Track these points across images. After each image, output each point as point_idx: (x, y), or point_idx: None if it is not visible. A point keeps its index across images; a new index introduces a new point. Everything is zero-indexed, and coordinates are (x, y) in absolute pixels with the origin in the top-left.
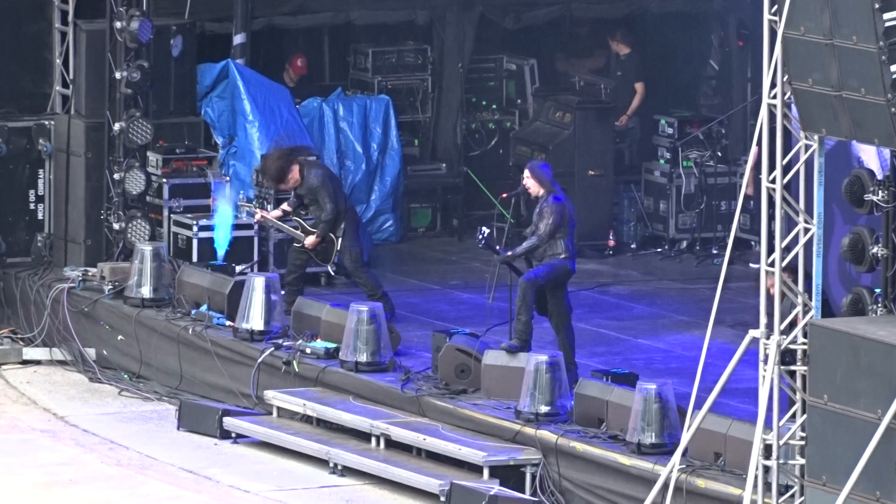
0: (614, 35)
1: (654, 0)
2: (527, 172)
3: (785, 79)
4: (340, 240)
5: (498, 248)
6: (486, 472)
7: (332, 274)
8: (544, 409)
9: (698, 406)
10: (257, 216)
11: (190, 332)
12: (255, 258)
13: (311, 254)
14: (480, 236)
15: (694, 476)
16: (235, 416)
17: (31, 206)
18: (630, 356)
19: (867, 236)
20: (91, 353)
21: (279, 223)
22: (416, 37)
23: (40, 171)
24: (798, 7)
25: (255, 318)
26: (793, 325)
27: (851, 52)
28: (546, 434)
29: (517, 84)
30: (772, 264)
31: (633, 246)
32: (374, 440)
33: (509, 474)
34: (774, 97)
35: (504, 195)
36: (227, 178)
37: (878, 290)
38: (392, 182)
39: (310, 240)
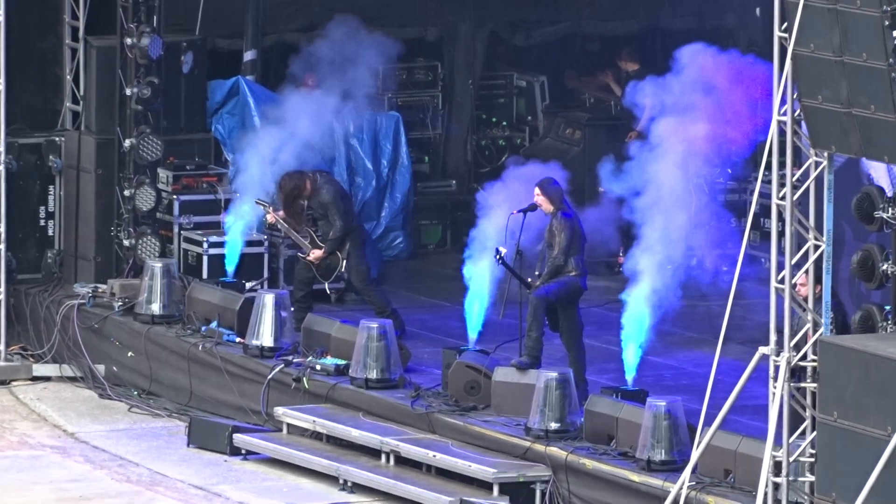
0: (621, 52)
1: (664, 17)
2: (537, 190)
3: (795, 96)
4: (346, 259)
5: (524, 278)
6: (495, 488)
7: (329, 292)
8: (554, 425)
9: (708, 423)
10: (269, 217)
11: (200, 348)
12: (265, 275)
13: (314, 269)
14: (497, 256)
15: (704, 493)
16: (245, 432)
17: (42, 222)
18: (640, 373)
19: (877, 253)
20: (101, 369)
21: (288, 228)
22: (426, 53)
23: (50, 188)
24: (808, 24)
25: (265, 335)
26: (803, 342)
27: (861, 70)
28: (556, 451)
29: (527, 101)
30: (782, 281)
31: None
32: (383, 457)
33: (519, 491)
34: (784, 114)
35: (514, 211)
36: (237, 195)
37: (888, 308)
38: (402, 199)
39: (316, 253)
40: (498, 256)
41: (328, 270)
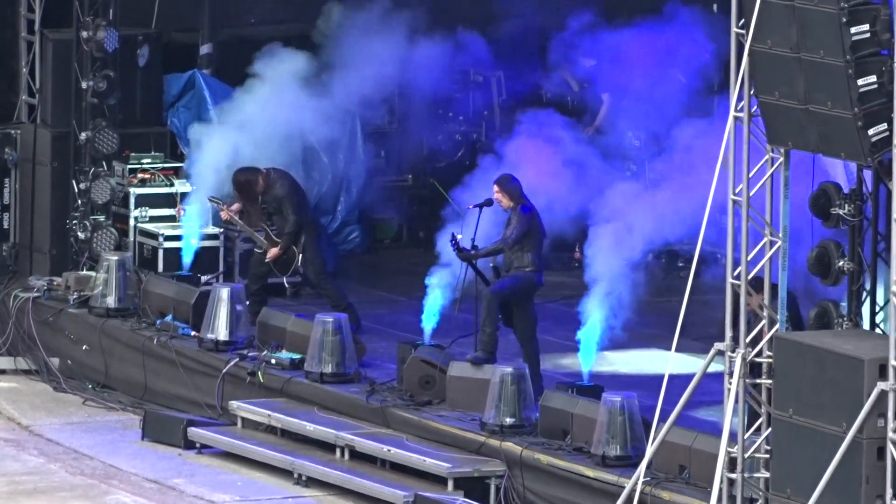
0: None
1: (623, 11)
2: (496, 186)
3: (752, 92)
4: (302, 253)
5: (464, 248)
6: (450, 483)
7: (287, 286)
8: (509, 420)
9: (663, 419)
10: (224, 214)
11: (155, 342)
12: (221, 269)
13: (270, 264)
14: (452, 241)
15: (658, 489)
16: (200, 426)
17: None
18: (595, 368)
19: (833, 250)
20: (56, 362)
21: (243, 224)
22: None
23: (6, 181)
24: (765, 20)
25: (220, 329)
26: (758, 338)
27: (818, 66)
28: (511, 446)
29: (484, 96)
30: (738, 277)
31: None
32: (338, 451)
33: (474, 486)
34: (741, 110)
35: (471, 206)
36: (193, 188)
37: (843, 304)
38: (358, 193)
39: (273, 252)
40: (452, 242)
41: (285, 264)
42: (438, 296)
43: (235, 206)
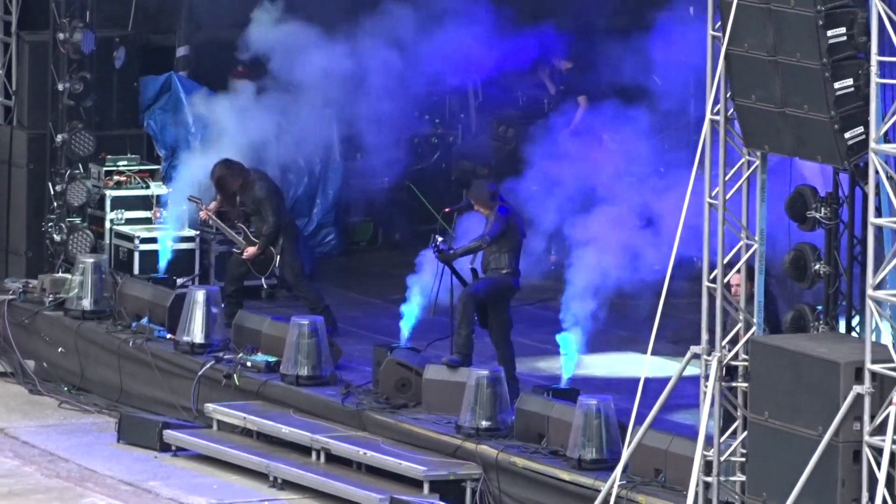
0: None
1: (601, 17)
2: (474, 202)
3: (728, 95)
4: (280, 255)
5: (443, 248)
6: (426, 486)
7: (265, 287)
8: (485, 423)
9: (639, 422)
10: (202, 213)
11: (130, 344)
12: (197, 271)
13: (248, 265)
14: (433, 244)
15: (634, 492)
16: (175, 428)
17: None
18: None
19: (809, 253)
20: (31, 364)
21: (221, 224)
22: None
23: None
24: (742, 23)
25: (195, 331)
26: (734, 341)
27: (795, 69)
28: (486, 449)
29: (460, 98)
30: (714, 280)
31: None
32: (314, 454)
33: (449, 489)
34: (717, 113)
35: (447, 209)
36: (169, 191)
37: (819, 307)
38: (334, 195)
39: (250, 250)
40: (433, 246)
41: (262, 266)
42: (417, 301)
43: (213, 206)
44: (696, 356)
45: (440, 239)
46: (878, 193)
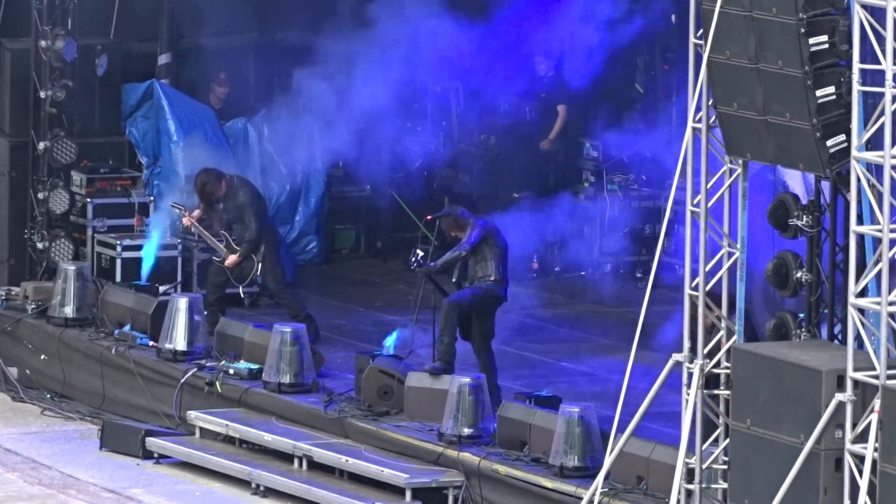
0: (540, 51)
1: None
2: (450, 230)
3: (710, 103)
4: (261, 263)
5: (423, 262)
6: (408, 494)
7: (244, 295)
8: (467, 431)
9: (621, 429)
10: (185, 220)
11: (113, 352)
12: (179, 279)
13: (228, 273)
14: (413, 258)
15: (616, 499)
16: (158, 436)
17: None
18: (553, 379)
19: (791, 261)
20: (13, 372)
21: (204, 231)
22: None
23: None
24: (723, 31)
25: (178, 339)
26: (716, 349)
27: (777, 77)
28: (469, 456)
29: (442, 105)
30: (696, 288)
31: (556, 269)
32: (296, 461)
33: (432, 496)
34: (699, 121)
35: (428, 217)
36: (151, 198)
37: (801, 315)
38: (316, 203)
39: (231, 258)
40: (414, 259)
41: (243, 274)
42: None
43: (196, 213)
44: (678, 364)
45: (420, 253)
46: (859, 201)
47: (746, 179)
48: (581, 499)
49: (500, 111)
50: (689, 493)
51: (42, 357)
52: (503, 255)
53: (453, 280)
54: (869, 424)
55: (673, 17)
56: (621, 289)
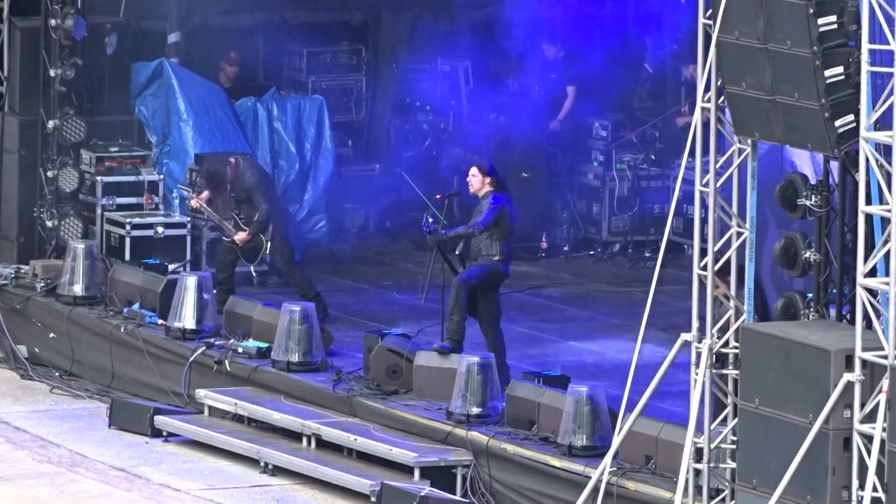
0: (547, 37)
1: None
2: (474, 170)
3: (719, 82)
4: (270, 242)
5: (435, 231)
6: (416, 472)
7: (254, 274)
8: (476, 410)
9: (630, 409)
10: (193, 202)
11: (122, 330)
12: (188, 257)
13: (238, 252)
14: (425, 223)
15: (625, 479)
16: (167, 414)
17: None
18: (562, 358)
19: (800, 241)
20: (23, 350)
21: (213, 213)
22: (350, 37)
23: None
24: (732, 11)
25: (187, 317)
26: (725, 328)
27: (785, 57)
28: (477, 435)
29: (451, 85)
30: (704, 268)
31: (565, 248)
32: (305, 440)
33: (440, 475)
34: (708, 101)
35: (437, 196)
36: (160, 177)
37: (810, 295)
38: (325, 182)
39: (240, 235)
40: (425, 224)
41: (253, 253)
42: None
43: (205, 195)
44: (687, 343)
45: (430, 220)
46: (868, 181)
47: (755, 159)
48: (589, 478)
49: (510, 90)
50: (698, 472)
51: (51, 335)
52: (510, 235)
53: (457, 253)
54: (877, 404)
55: None
56: (630, 268)
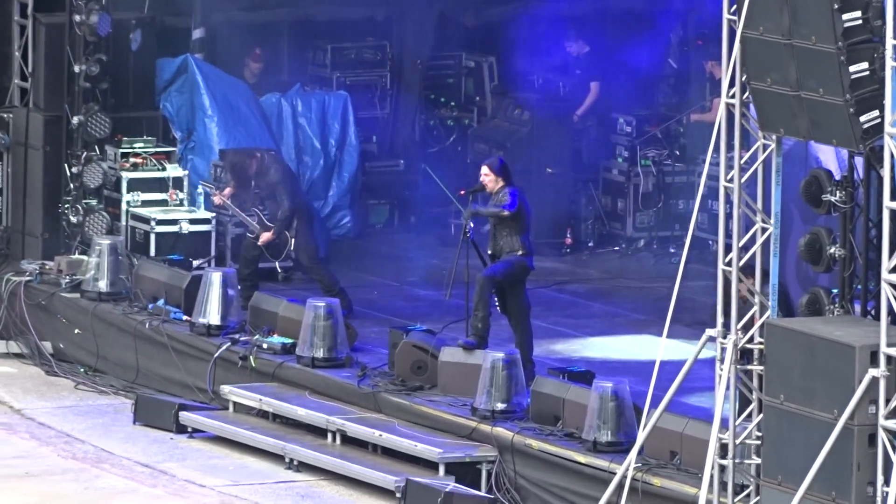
0: (570, 34)
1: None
2: (485, 169)
3: (743, 78)
4: (295, 238)
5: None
6: (441, 468)
7: (279, 271)
8: (500, 406)
9: (654, 404)
10: (216, 198)
11: (147, 326)
12: (212, 253)
13: (262, 249)
14: (464, 193)
15: (649, 475)
16: (191, 410)
17: None
18: (587, 354)
19: (825, 236)
20: (48, 346)
21: (236, 209)
22: (375, 33)
23: None
24: (757, 6)
25: (211, 313)
26: (750, 324)
27: (810, 53)
28: (502, 431)
29: (476, 81)
30: (729, 263)
31: (590, 244)
32: (329, 436)
33: (465, 471)
34: (733, 96)
35: (462, 192)
36: (185, 173)
37: (835, 291)
38: (350, 178)
39: (265, 236)
40: (464, 193)
41: (277, 249)
42: None
43: (228, 191)
44: (712, 339)
45: (472, 225)
46: (893, 177)
47: (780, 155)
48: (614, 474)
49: (535, 86)
50: (723, 468)
51: (76, 331)
52: (528, 228)
53: (489, 252)
54: None
55: None
56: (655, 264)
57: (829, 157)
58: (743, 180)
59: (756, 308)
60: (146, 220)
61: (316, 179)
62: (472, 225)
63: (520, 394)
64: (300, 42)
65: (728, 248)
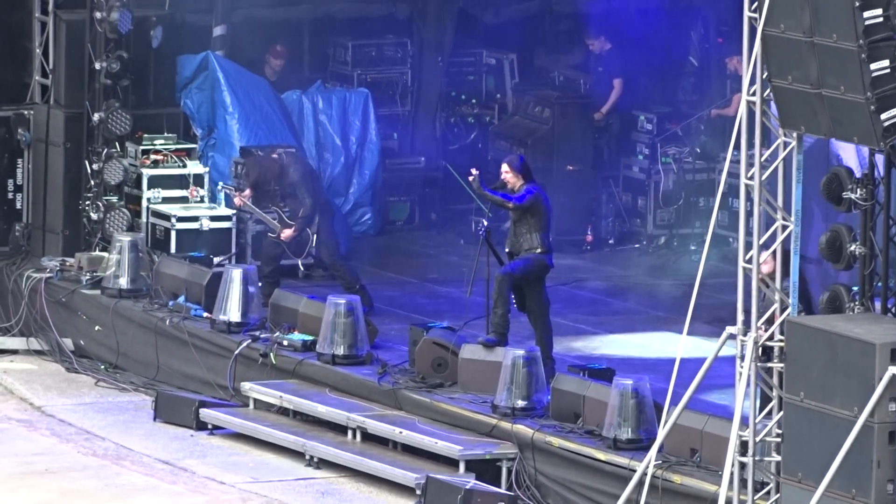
0: (591, 31)
1: None
2: (505, 167)
3: (764, 76)
4: (316, 235)
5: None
6: (461, 465)
7: (301, 268)
8: (521, 403)
9: (675, 402)
10: (236, 200)
11: (167, 323)
12: (233, 250)
13: (283, 246)
14: (481, 228)
15: (670, 472)
16: (212, 407)
17: (10, 195)
18: (607, 351)
19: (845, 234)
20: (68, 343)
21: (257, 210)
22: (395, 30)
23: (19, 161)
24: (778, 4)
25: (232, 310)
26: (770, 322)
27: (831, 50)
28: (522, 428)
29: (496, 78)
30: (750, 261)
31: (610, 241)
32: (350, 433)
33: (485, 468)
34: (754, 94)
35: (470, 176)
36: (206, 170)
37: (855, 288)
38: (371, 175)
39: (286, 233)
40: (484, 232)
41: (298, 246)
42: None
43: (247, 192)
44: (732, 336)
45: (476, 172)
46: None
47: (801, 152)
48: (634, 471)
49: (556, 83)
50: (743, 465)
51: (96, 328)
52: (548, 226)
53: (507, 251)
54: None
55: None
56: (675, 261)
57: (849, 154)
58: (763, 178)
59: (776, 306)
60: (167, 217)
61: (336, 176)
62: (485, 223)
63: (540, 391)
64: (321, 39)
65: (749, 246)
